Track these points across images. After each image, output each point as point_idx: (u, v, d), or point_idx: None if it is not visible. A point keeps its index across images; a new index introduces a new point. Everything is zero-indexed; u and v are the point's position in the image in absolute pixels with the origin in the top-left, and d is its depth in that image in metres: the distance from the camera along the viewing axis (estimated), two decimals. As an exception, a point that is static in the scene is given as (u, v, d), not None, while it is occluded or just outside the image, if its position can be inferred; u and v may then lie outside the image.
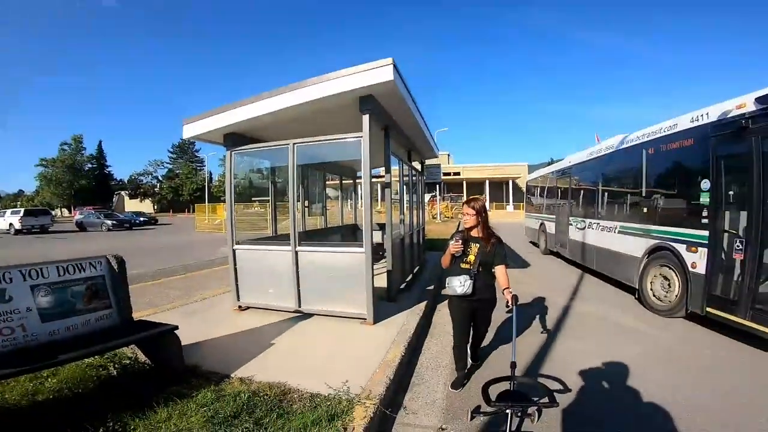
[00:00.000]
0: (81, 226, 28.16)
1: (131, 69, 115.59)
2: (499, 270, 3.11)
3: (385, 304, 5.09)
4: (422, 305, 5.26)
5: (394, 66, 3.93)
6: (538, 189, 13.14)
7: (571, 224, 9.25)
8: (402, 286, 6.05)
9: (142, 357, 3.44)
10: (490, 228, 3.21)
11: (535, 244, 13.11)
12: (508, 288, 2.98)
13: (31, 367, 2.38)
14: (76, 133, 63.04)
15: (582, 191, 8.97)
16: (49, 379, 3.06)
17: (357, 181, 9.87)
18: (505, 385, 2.35)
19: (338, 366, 3.35)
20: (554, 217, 10.88)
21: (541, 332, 4.70)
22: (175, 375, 3.11)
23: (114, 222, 27.91)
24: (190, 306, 5.48)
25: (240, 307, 5.11)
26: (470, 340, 3.48)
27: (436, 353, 4.10)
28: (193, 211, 52.85)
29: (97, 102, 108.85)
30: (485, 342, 3.87)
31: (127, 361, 3.40)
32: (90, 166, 64.78)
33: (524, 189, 16.16)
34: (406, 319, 4.64)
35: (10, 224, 24.84)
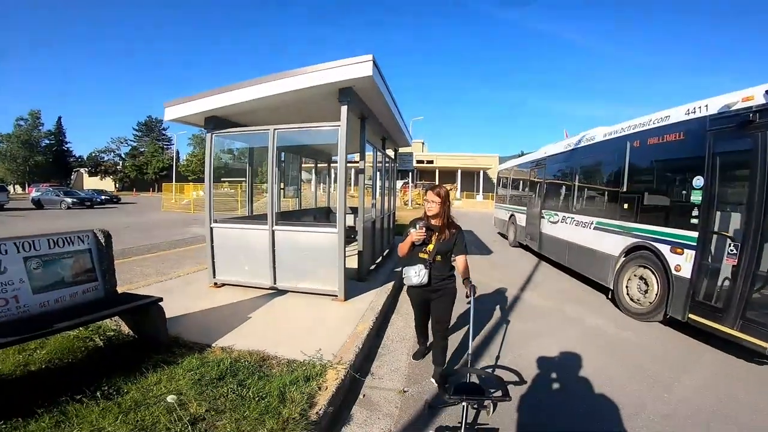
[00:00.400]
0: (38, 204, 26.68)
1: (96, 46, 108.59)
2: (460, 260, 3.08)
3: (355, 283, 5.44)
4: (390, 285, 5.65)
5: (374, 62, 4.20)
6: (510, 180, 12.92)
7: (543, 217, 9.00)
8: (372, 267, 6.41)
9: (125, 329, 3.62)
10: (452, 217, 3.14)
11: (504, 236, 13.08)
12: (468, 278, 2.98)
13: (31, 335, 2.53)
14: (34, 108, 59.09)
15: (557, 184, 8.70)
16: (38, 351, 3.18)
17: (332, 164, 10.09)
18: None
19: (312, 337, 3.67)
20: (525, 209, 10.67)
21: (501, 323, 4.77)
22: (159, 345, 3.31)
23: (74, 200, 26.64)
24: (165, 283, 5.61)
25: (216, 284, 5.31)
26: (433, 334, 3.38)
27: (401, 328, 4.50)
28: (159, 191, 51.16)
29: (58, 79, 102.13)
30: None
31: (112, 333, 3.57)
32: (47, 142, 61.08)
33: (495, 179, 16.16)
34: (375, 297, 5.02)
35: (-38, 200, 23.31)
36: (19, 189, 55.67)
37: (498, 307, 5.42)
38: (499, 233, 14.24)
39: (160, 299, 3.36)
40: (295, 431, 2.30)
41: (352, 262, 5.51)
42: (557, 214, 8.24)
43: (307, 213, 8.36)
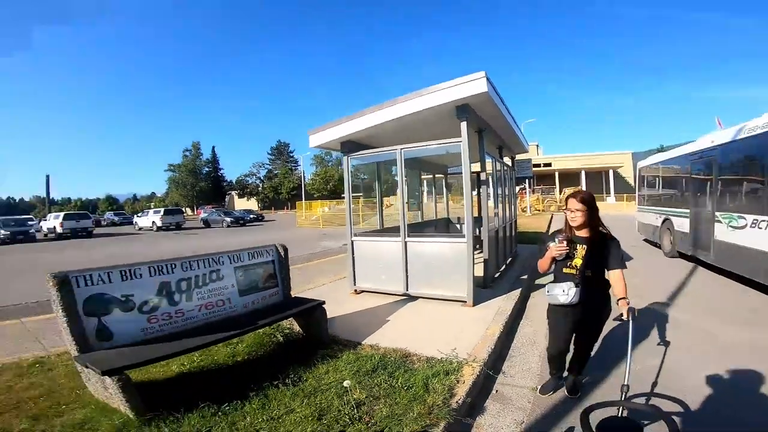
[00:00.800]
0: (206, 223, 33.01)
1: (239, 80, 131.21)
2: (615, 275, 2.67)
3: (481, 290, 5.64)
4: (516, 292, 5.73)
5: (487, 78, 4.48)
6: (659, 177, 10.98)
7: (720, 221, 7.24)
8: (496, 275, 6.53)
9: (296, 328, 4.39)
10: (603, 225, 2.76)
11: (654, 244, 11.23)
12: (624, 298, 2.60)
13: (246, 329, 3.40)
14: (194, 140, 73.28)
15: (740, 179, 6.95)
16: (239, 345, 3.94)
17: (447, 175, 10.46)
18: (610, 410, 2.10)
19: (446, 338, 4.02)
20: (688, 211, 8.78)
21: (660, 344, 4.10)
22: (321, 342, 3.99)
23: (232, 219, 32.17)
24: (313, 290, 6.50)
25: (356, 291, 6.05)
26: (575, 349, 3.08)
27: (531, 333, 4.57)
28: (292, 208, 58.08)
29: (209, 110, 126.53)
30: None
31: (287, 331, 4.34)
32: (206, 169, 74.54)
33: (631, 178, 14.09)
34: (502, 303, 5.18)
35: (153, 222, 30.01)
36: (189, 211, 68.69)
37: (655, 324, 4.71)
38: (645, 240, 12.20)
39: (323, 302, 4.07)
40: (439, 416, 2.65)
41: (477, 271, 5.73)
42: (743, 218, 6.52)
43: (429, 224, 8.83)
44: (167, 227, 29.36)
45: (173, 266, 3.34)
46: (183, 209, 48.44)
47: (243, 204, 70.34)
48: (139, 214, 35.11)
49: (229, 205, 71.77)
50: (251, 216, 36.84)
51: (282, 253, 4.16)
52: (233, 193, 78.41)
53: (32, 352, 4.17)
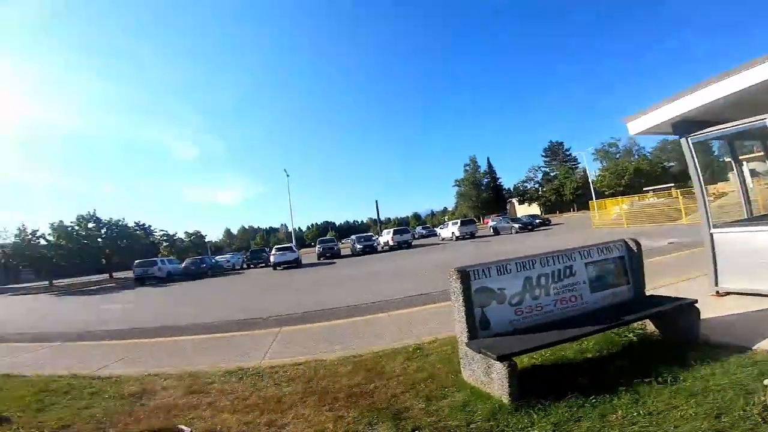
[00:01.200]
0: (495, 230, 35.37)
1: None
2: None
3: None
4: None
5: None
6: None
7: None
8: None
9: (649, 327, 4.01)
10: None
11: None
12: None
13: (606, 326, 3.44)
14: (471, 155, 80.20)
15: None
16: (586, 342, 3.76)
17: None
18: None
19: None
20: None
21: None
22: (688, 344, 3.49)
23: (520, 225, 33.29)
24: (657, 290, 5.79)
25: (718, 292, 5.03)
26: None
27: None
28: (578, 209, 53.82)
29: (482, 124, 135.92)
30: None
31: (639, 330, 4.01)
32: (486, 180, 79.75)
33: None
34: None
35: (452, 233, 34.83)
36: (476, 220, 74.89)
37: None
38: None
39: (695, 301, 3.61)
40: None
41: None
42: None
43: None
44: (463, 236, 33.19)
45: (533, 262, 3.69)
46: (474, 219, 53.40)
47: (524, 210, 70.39)
48: (441, 227, 41.50)
49: (510, 212, 73.58)
50: (537, 221, 36.88)
51: (634, 248, 4.00)
52: (513, 200, 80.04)
53: (410, 339, 4.97)
